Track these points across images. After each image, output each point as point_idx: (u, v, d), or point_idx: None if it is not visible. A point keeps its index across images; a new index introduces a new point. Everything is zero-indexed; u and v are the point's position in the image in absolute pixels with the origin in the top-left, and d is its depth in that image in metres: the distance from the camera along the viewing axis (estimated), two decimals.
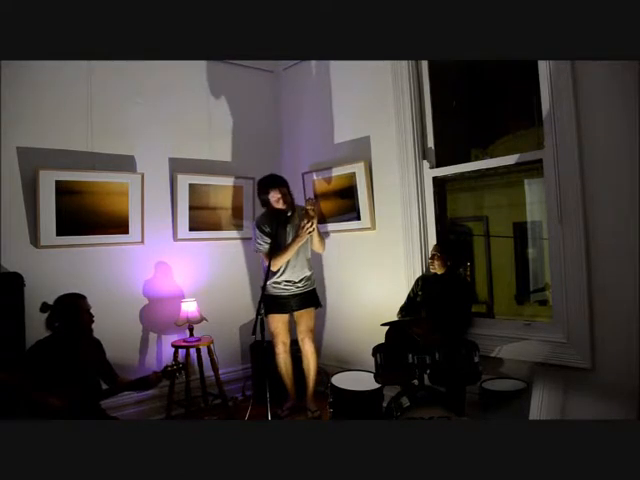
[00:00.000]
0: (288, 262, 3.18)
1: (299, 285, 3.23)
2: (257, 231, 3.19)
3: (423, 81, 3.24)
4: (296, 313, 3.27)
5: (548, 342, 2.57)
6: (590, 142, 2.37)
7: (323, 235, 3.36)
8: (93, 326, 2.51)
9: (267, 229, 3.14)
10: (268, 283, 3.19)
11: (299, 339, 3.31)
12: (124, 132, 3.33)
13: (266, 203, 3.17)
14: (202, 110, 3.74)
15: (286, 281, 3.22)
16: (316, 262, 3.62)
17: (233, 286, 3.81)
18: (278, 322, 3.28)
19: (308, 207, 3.06)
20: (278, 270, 3.17)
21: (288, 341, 3.35)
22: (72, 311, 2.40)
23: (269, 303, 3.22)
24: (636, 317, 2.20)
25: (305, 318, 3.27)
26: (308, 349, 3.27)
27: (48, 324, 2.39)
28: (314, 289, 3.33)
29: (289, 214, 3.13)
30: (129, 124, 3.36)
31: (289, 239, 3.16)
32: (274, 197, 3.11)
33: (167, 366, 2.48)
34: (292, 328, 3.38)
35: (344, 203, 3.61)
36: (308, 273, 3.26)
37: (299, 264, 3.21)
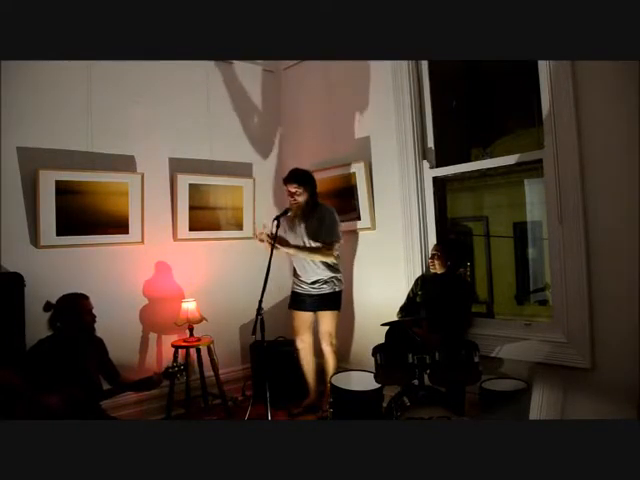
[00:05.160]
0: (298, 262, 3.23)
1: (313, 286, 3.22)
2: None
3: (423, 81, 3.24)
4: (316, 314, 3.28)
5: (548, 342, 2.57)
6: (590, 142, 2.37)
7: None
8: (94, 326, 2.52)
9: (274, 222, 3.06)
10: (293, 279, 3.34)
11: (320, 341, 3.31)
12: (124, 132, 3.33)
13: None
14: (202, 110, 3.74)
15: (300, 280, 3.27)
16: None
17: (233, 286, 3.81)
18: (299, 320, 3.32)
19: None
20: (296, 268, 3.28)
21: (308, 339, 3.35)
22: (74, 311, 2.40)
23: (291, 298, 3.37)
24: (636, 317, 2.20)
25: (323, 321, 3.25)
26: (326, 351, 3.27)
27: (50, 324, 2.40)
28: (333, 292, 3.21)
29: (288, 213, 3.14)
30: (129, 124, 3.35)
31: (286, 236, 3.21)
32: (286, 192, 3.18)
33: (168, 367, 2.48)
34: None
35: (344, 203, 3.60)
36: (323, 276, 3.18)
37: (308, 266, 3.20)
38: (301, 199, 3.13)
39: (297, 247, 3.16)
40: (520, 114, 3.48)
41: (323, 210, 3.19)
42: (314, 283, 3.21)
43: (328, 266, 3.19)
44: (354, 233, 3.62)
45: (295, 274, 3.33)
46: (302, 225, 3.19)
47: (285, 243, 3.16)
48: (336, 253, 3.19)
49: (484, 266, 4.32)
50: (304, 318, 3.30)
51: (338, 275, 3.25)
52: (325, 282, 3.21)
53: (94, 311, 2.51)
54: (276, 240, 2.99)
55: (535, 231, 4.04)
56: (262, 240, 3.07)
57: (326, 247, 3.13)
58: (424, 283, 2.96)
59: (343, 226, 3.60)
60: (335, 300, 3.26)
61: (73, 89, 3.14)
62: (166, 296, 3.49)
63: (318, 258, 3.15)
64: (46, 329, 2.40)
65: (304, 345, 3.34)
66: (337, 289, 3.24)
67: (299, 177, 3.14)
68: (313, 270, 3.19)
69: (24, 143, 2.94)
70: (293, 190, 3.13)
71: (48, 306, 2.40)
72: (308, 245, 3.17)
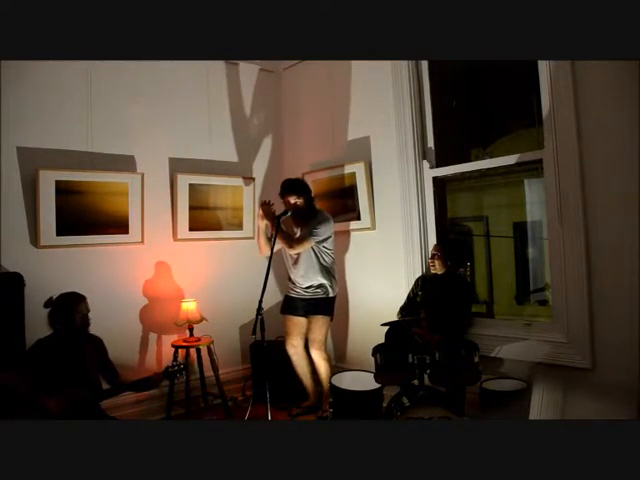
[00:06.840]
0: (291, 264, 3.24)
1: (307, 291, 3.22)
2: None
3: (423, 81, 3.24)
4: (308, 319, 3.25)
5: (548, 342, 2.57)
6: (590, 142, 2.37)
7: (286, 237, 3.16)
8: (94, 326, 2.51)
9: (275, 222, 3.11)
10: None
11: (309, 346, 3.29)
12: (124, 132, 3.33)
13: None
14: (202, 110, 3.74)
15: (293, 283, 3.28)
16: None
17: (233, 286, 3.80)
18: (290, 323, 3.30)
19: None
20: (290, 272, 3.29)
21: (299, 344, 3.31)
22: (67, 313, 2.40)
23: (284, 302, 3.37)
24: (636, 317, 2.20)
25: (313, 327, 3.22)
26: (316, 358, 3.25)
27: (50, 323, 2.40)
28: (327, 297, 3.21)
29: (288, 213, 3.14)
30: (129, 124, 3.35)
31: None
32: (285, 204, 3.17)
33: (168, 367, 2.48)
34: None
35: (344, 203, 3.60)
36: (316, 282, 3.18)
37: (301, 270, 3.19)
38: (290, 204, 3.15)
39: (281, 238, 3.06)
40: (520, 114, 3.48)
41: (323, 216, 3.20)
42: (308, 288, 3.21)
43: (323, 271, 3.19)
44: (354, 233, 3.62)
45: (289, 279, 3.33)
46: (301, 230, 3.19)
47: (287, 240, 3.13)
48: (297, 251, 3.14)
49: (484, 266, 4.32)
50: (296, 322, 3.28)
51: (333, 281, 3.24)
52: (319, 287, 3.20)
53: (93, 311, 2.51)
54: (276, 237, 2.98)
55: (535, 231, 4.05)
56: (262, 216, 3.15)
57: (302, 237, 3.13)
58: (424, 283, 2.96)
59: (343, 226, 3.62)
60: (327, 305, 3.24)
61: (73, 89, 3.13)
62: (166, 296, 3.49)
63: (287, 244, 3.11)
64: (46, 329, 2.40)
65: (295, 350, 3.32)
66: (330, 295, 3.23)
67: (295, 187, 3.16)
68: (306, 274, 3.19)
69: (24, 143, 2.94)
70: (293, 201, 3.13)
71: (48, 303, 2.40)
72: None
